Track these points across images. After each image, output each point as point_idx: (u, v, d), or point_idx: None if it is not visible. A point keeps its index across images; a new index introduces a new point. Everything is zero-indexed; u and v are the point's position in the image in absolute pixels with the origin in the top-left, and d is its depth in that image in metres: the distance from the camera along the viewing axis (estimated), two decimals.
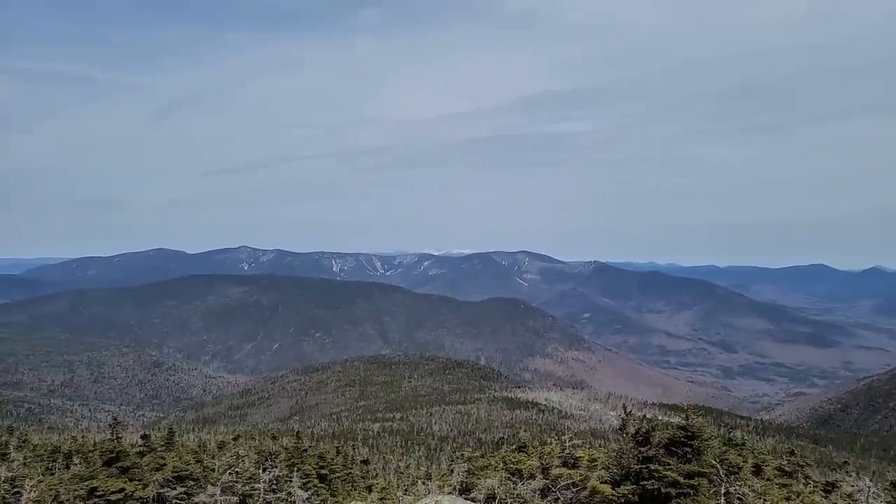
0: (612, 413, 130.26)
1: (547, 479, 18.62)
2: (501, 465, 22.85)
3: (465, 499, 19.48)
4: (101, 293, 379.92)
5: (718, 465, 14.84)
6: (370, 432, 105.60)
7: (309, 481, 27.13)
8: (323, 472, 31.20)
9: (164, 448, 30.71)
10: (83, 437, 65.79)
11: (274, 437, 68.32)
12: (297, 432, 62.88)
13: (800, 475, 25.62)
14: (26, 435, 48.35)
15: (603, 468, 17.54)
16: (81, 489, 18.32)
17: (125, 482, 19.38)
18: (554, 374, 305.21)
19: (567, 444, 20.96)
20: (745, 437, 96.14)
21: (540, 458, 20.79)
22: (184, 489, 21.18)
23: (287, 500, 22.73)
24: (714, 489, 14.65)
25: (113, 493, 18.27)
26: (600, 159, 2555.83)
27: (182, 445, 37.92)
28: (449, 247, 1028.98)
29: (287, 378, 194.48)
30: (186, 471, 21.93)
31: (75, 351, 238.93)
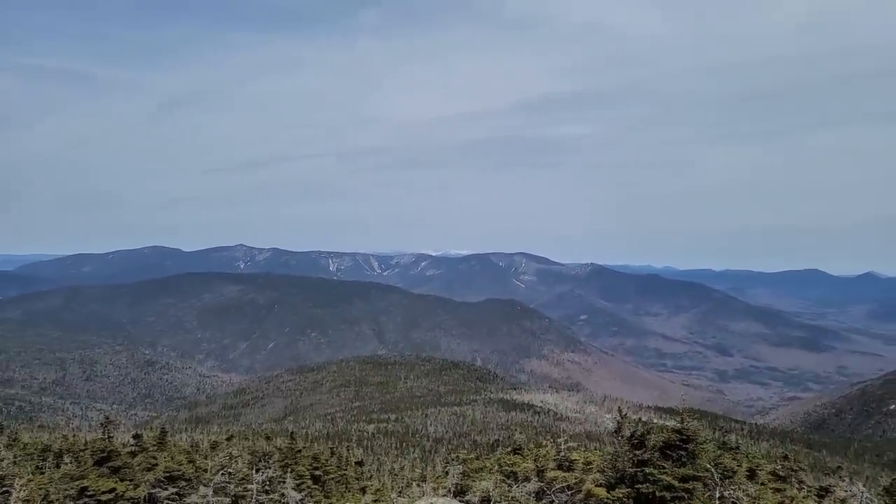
0: (607, 416, 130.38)
1: (542, 482, 18.57)
2: (496, 467, 22.78)
3: (460, 501, 19.41)
4: (96, 290, 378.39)
5: (713, 469, 14.83)
6: (365, 433, 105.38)
7: (303, 482, 27.00)
8: (317, 473, 31.08)
9: (156, 448, 30.54)
10: (74, 436, 65.43)
11: (268, 438, 68.09)
12: (292, 433, 62.67)
13: (794, 480, 25.65)
14: (16, 433, 48.03)
15: (598, 471, 17.50)
16: (72, 489, 18.17)
17: (116, 482, 19.24)
18: (550, 375, 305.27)
19: (562, 447, 20.91)
20: (740, 441, 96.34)
21: (535, 460, 20.74)
22: (175, 490, 21.04)
23: (280, 501, 22.61)
24: (709, 493, 14.63)
25: (104, 492, 18.14)
26: (599, 162, 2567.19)
27: (174, 445, 37.73)
28: (446, 247, 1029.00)
29: (282, 378, 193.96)
30: (178, 471, 21.79)
31: (68, 349, 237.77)
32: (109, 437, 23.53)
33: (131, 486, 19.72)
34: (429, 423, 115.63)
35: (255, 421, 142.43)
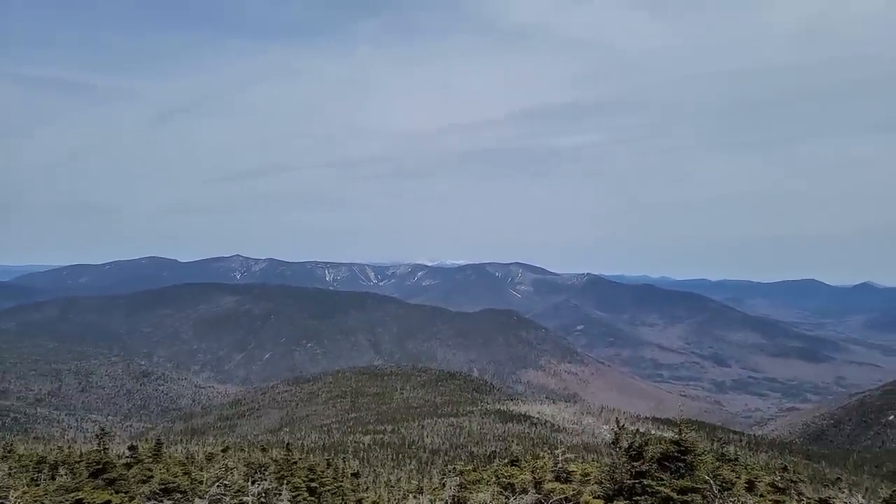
0: (604, 427, 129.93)
1: (539, 494, 18.51)
2: (494, 479, 22.70)
3: None
4: (92, 301, 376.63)
5: (711, 481, 14.82)
6: (361, 444, 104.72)
7: (298, 494, 26.83)
8: (313, 485, 30.87)
9: (151, 459, 30.31)
10: (69, 447, 64.86)
11: (263, 449, 67.61)
12: (287, 444, 62.35)
13: (793, 491, 25.60)
14: (11, 445, 47.62)
15: (596, 483, 17.46)
16: (67, 501, 18.03)
17: (111, 494, 19.10)
18: (547, 386, 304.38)
19: (560, 458, 20.86)
20: (738, 453, 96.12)
21: (532, 472, 20.68)
22: (171, 501, 20.88)
23: None
24: None
25: None
26: (597, 172, 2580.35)
27: (170, 457, 37.45)
28: (443, 257, 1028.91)
29: (277, 389, 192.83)
30: (174, 483, 21.64)
31: (63, 359, 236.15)
32: (105, 448, 23.38)
33: (127, 499, 19.58)
34: (425, 434, 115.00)
35: (251, 432, 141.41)
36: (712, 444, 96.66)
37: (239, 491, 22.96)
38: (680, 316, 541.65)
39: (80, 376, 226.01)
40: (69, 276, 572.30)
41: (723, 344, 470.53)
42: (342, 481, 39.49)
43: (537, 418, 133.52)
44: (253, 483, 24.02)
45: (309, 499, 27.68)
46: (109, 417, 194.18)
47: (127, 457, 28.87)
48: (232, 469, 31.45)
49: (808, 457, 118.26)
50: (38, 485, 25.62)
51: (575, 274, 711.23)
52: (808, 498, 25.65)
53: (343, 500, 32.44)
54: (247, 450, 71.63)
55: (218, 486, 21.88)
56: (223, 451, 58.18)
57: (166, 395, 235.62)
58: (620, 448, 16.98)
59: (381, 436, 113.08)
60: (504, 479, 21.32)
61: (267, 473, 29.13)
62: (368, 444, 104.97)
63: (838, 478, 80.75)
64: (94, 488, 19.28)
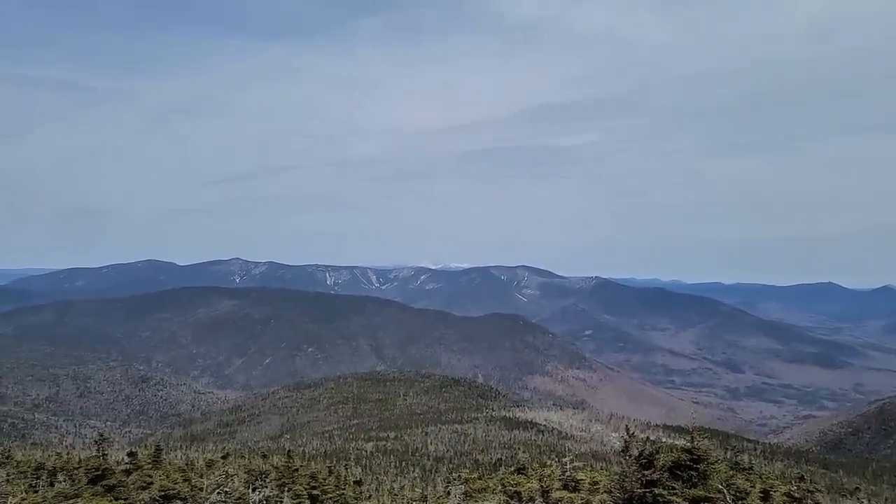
0: (614, 434, 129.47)
1: (547, 503, 18.50)
2: (500, 487, 22.70)
3: None
4: (89, 305, 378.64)
5: (725, 490, 14.77)
6: (363, 452, 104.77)
7: (300, 502, 26.91)
8: (314, 492, 30.95)
9: (151, 466, 30.46)
10: (68, 453, 65.20)
11: (264, 456, 67.78)
12: (288, 451, 62.43)
13: (809, 501, 25.47)
14: (9, 451, 47.92)
15: (605, 492, 17.46)
16: None
17: (111, 500, 19.23)
18: (554, 393, 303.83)
19: (568, 467, 20.86)
20: (753, 461, 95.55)
21: (540, 480, 20.69)
22: None
23: None
24: None
25: None
26: (604, 172, 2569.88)
27: (169, 463, 37.61)
28: (446, 260, 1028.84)
29: (278, 394, 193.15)
30: (174, 490, 21.76)
31: (61, 364, 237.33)
32: (104, 454, 23.54)
33: None
34: (429, 441, 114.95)
35: (252, 439, 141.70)
36: (726, 453, 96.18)
37: (240, 498, 23.06)
38: (691, 320, 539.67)
39: (78, 381, 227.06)
40: (66, 279, 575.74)
41: (736, 349, 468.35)
42: (344, 489, 39.56)
43: (544, 425, 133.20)
44: (254, 490, 24.12)
45: None
46: (108, 423, 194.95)
47: (126, 463, 29.02)
48: (232, 476, 31.57)
49: (826, 466, 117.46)
50: (36, 491, 25.78)
51: (583, 277, 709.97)
52: None
53: None
54: (247, 456, 71.81)
55: (218, 493, 21.99)
56: (223, 457, 58.34)
57: (165, 400, 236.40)
58: (630, 456, 16.93)
59: (383, 443, 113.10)
60: (510, 488, 21.32)
61: (268, 481, 29.22)
62: (371, 452, 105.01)
63: (857, 487, 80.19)
64: (93, 495, 19.42)
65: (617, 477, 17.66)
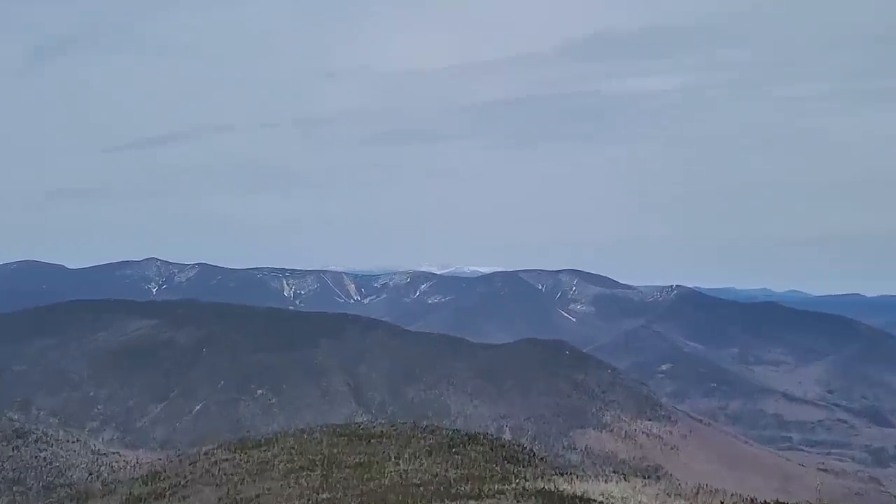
0: None
1: None
2: None
3: None
4: None
5: None
6: None
7: None
8: None
9: None
10: None
11: None
12: None
13: None
14: None
15: None
16: None
17: None
18: (615, 454, 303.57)
19: None
20: None
21: None
22: None
23: None
24: None
25: None
26: (683, 134, 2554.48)
27: None
28: (458, 262, 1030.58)
29: (214, 456, 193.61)
30: None
31: None
32: None
33: None
34: None
35: None
36: None
37: None
38: (818, 349, 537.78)
39: None
40: None
41: (883, 391, 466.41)
42: None
43: (602, 502, 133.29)
44: None
45: None
46: None
47: None
48: None
49: None
50: None
51: (658, 287, 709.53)
52: None
53: None
54: None
55: None
56: None
57: (51, 464, 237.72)
58: None
59: None
60: None
61: None
62: None
63: None
64: None
65: None
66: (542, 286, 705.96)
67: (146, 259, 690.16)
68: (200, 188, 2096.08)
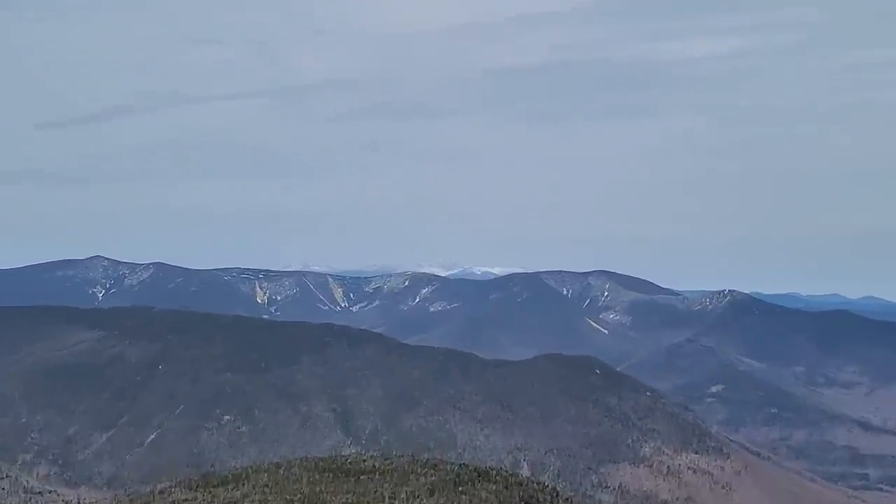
0: None
1: None
2: None
3: None
4: None
5: None
6: None
7: None
8: None
9: None
10: None
11: None
12: None
13: None
14: None
15: None
16: None
17: None
18: (655, 494, 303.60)
19: None
20: None
21: None
22: None
23: None
24: None
25: None
26: (737, 105, 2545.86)
27: None
28: (466, 262, 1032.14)
29: (171, 496, 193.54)
30: None
31: None
32: None
33: None
34: None
35: None
36: None
37: None
38: None
39: None
40: None
41: None
42: None
43: None
44: None
45: None
46: None
47: None
48: None
49: None
50: None
51: (707, 292, 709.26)
52: None
53: None
54: None
55: None
56: None
57: None
58: None
59: None
60: None
61: None
62: None
63: None
64: None
65: None
66: (568, 291, 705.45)
67: (90, 258, 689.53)
68: (155, 172, 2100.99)
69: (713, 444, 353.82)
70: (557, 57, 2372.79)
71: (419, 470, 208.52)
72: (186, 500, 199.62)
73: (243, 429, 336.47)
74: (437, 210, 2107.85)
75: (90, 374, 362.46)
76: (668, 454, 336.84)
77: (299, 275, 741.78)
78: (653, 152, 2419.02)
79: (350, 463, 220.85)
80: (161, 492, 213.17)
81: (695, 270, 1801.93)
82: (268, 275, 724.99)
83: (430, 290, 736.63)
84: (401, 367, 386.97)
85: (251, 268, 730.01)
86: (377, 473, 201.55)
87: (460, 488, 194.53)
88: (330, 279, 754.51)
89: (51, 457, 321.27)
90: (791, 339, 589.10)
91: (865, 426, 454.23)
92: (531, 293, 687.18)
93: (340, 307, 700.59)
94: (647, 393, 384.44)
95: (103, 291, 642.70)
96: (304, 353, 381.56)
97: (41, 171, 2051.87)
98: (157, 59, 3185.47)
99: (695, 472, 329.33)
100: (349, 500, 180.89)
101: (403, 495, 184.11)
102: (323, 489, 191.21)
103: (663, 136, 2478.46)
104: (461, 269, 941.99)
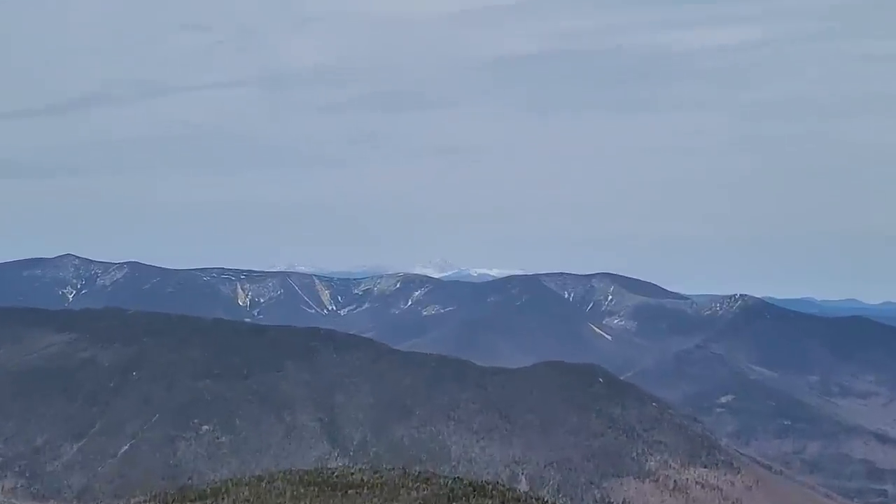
0: None
1: None
2: None
3: None
4: None
5: None
6: None
7: None
8: None
9: None
10: None
11: None
12: None
13: None
14: None
15: None
16: None
17: None
18: None
19: None
20: None
21: None
22: None
23: None
24: None
25: None
26: (751, 99, 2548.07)
27: None
28: (462, 263, 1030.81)
29: None
30: None
31: None
32: None
33: None
34: None
35: None
36: None
37: None
38: None
39: None
40: None
41: None
42: None
43: None
44: None
45: None
46: None
47: None
48: None
49: None
50: None
51: (717, 297, 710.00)
52: None
53: None
54: None
55: None
56: None
57: None
58: None
59: None
60: None
61: None
62: None
63: None
64: None
65: None
66: (570, 294, 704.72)
67: (60, 256, 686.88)
68: (132, 165, 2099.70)
69: (723, 458, 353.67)
70: (554, 46, 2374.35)
71: (411, 484, 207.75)
72: None
73: (223, 439, 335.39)
74: (431, 207, 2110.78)
75: (60, 379, 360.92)
76: (675, 468, 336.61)
77: (284, 275, 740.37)
78: (659, 147, 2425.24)
79: (337, 476, 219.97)
80: None
81: (704, 273, 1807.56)
82: (250, 275, 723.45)
83: (424, 292, 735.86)
84: (392, 373, 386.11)
85: (232, 268, 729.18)
86: (366, 487, 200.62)
87: (454, 503, 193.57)
88: (316, 280, 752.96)
89: (17, 468, 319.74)
90: (805, 346, 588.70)
91: (883, 439, 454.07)
92: (531, 296, 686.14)
93: (327, 310, 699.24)
94: (653, 403, 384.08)
95: (74, 292, 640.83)
96: (288, 359, 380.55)
97: (8, 163, 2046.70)
98: (139, 45, 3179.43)
99: (703, 487, 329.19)
100: None
101: None
102: (308, 503, 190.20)
103: (670, 131, 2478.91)
104: (456, 271, 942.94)
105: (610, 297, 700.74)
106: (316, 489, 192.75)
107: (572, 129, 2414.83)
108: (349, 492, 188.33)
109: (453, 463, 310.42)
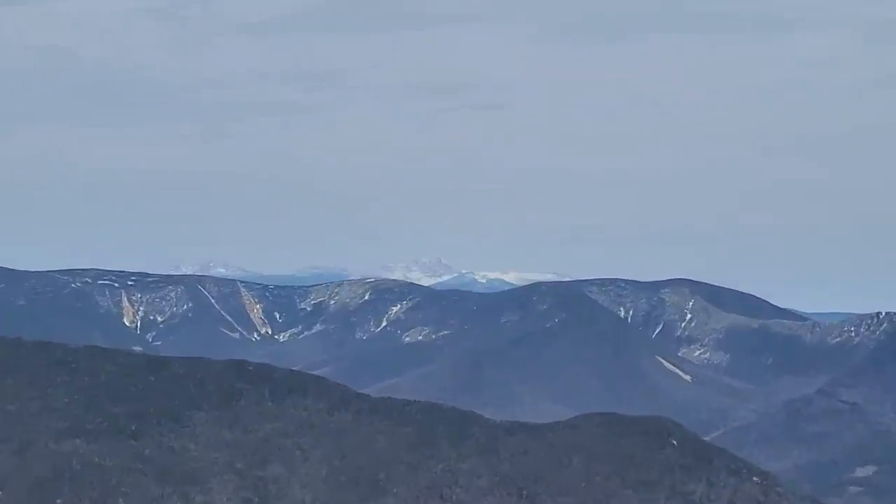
0: None
1: None
2: None
3: None
4: None
5: None
6: None
7: None
8: None
9: None
10: None
11: None
12: None
13: None
14: None
15: None
16: None
17: None
18: None
19: None
20: None
21: None
22: None
23: None
24: None
25: None
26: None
27: None
28: (462, 265, 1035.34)
29: None
30: None
31: None
32: None
33: None
34: None
35: None
36: None
37: None
38: None
39: None
40: None
41: None
42: None
43: None
44: None
45: None
46: None
47: None
48: None
49: None
50: None
51: (851, 316, 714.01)
52: None
53: None
54: None
55: None
56: None
57: None
58: None
59: None
60: None
61: None
62: None
63: None
64: None
65: None
66: (628, 312, 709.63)
67: None
68: None
69: None
70: None
71: None
72: None
73: None
74: (417, 177, 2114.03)
75: None
76: None
77: (193, 281, 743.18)
78: (774, 89, 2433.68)
79: None
80: None
81: (830, 283, 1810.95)
82: (142, 281, 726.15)
83: (405, 306, 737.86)
84: (356, 431, 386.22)
85: (115, 269, 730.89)
86: None
87: None
88: (242, 288, 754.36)
89: None
90: None
91: None
92: (567, 314, 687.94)
93: (259, 334, 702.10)
94: (755, 477, 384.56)
95: None
96: (199, 408, 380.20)
97: None
98: None
99: None
100: None
101: None
102: None
103: (772, 64, 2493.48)
104: (455, 275, 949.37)
105: (689, 316, 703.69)
106: None
107: (623, 51, 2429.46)
108: None
109: None
